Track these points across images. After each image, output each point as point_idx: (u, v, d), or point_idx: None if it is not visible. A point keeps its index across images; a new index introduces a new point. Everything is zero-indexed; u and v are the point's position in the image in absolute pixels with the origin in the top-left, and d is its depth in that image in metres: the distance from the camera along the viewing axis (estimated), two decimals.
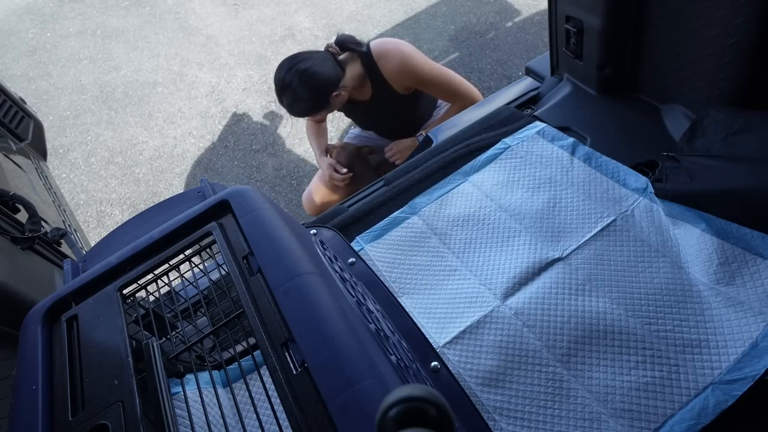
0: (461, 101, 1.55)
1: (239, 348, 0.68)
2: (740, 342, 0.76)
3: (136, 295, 0.63)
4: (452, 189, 1.12)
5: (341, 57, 1.45)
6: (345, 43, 1.44)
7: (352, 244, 1.01)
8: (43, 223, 1.19)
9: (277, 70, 1.40)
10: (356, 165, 1.72)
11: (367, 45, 1.46)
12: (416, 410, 0.27)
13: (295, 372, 0.47)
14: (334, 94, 1.41)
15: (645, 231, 0.93)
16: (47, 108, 3.01)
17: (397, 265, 1.01)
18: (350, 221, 1.11)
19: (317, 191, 1.76)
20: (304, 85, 1.37)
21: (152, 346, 0.56)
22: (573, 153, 1.10)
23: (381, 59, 1.43)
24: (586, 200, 1.01)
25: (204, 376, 0.78)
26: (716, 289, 0.82)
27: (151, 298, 0.67)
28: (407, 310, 0.80)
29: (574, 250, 0.93)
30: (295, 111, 1.46)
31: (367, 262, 0.94)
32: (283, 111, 2.67)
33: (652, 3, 1.04)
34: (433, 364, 0.73)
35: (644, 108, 1.18)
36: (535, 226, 0.99)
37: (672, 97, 1.13)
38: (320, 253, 0.70)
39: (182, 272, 0.68)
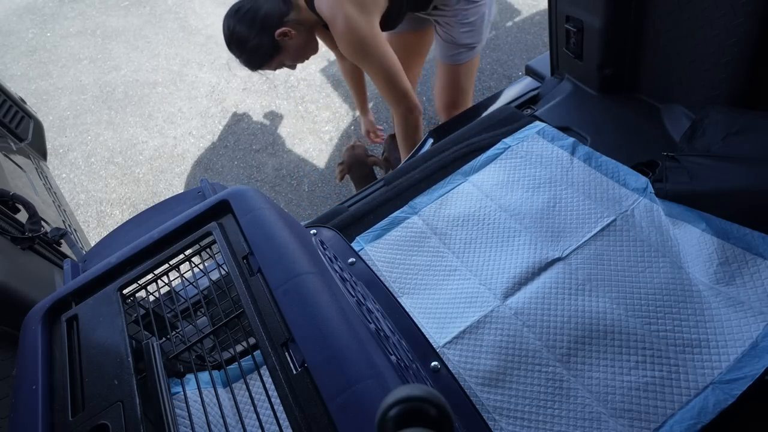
0: (399, 111, 1.37)
1: (239, 348, 0.68)
2: (740, 342, 0.76)
3: (136, 295, 0.63)
4: (452, 189, 1.12)
5: None
6: None
7: (352, 244, 1.01)
8: (43, 223, 1.19)
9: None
10: (355, 168, 1.73)
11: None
12: (416, 410, 0.27)
13: (295, 372, 0.47)
14: (279, 31, 1.26)
15: (645, 231, 0.93)
16: (47, 108, 3.01)
17: (397, 265, 1.01)
18: (350, 221, 1.11)
19: None
20: (242, 23, 1.23)
21: (152, 346, 0.57)
22: (573, 153, 1.10)
23: (331, 26, 1.25)
24: (586, 200, 1.01)
25: (204, 376, 0.78)
26: (716, 289, 0.82)
27: (151, 298, 0.67)
28: (407, 310, 0.80)
29: (574, 250, 0.93)
30: (245, 59, 1.31)
31: (367, 262, 0.94)
32: (283, 111, 2.68)
33: (652, 3, 1.04)
34: (433, 364, 0.73)
35: (644, 108, 1.18)
36: (535, 226, 0.99)
37: (672, 97, 1.13)
38: (320, 253, 0.70)
39: (182, 272, 0.68)
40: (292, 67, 1.41)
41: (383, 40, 1.27)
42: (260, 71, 1.38)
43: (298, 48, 1.33)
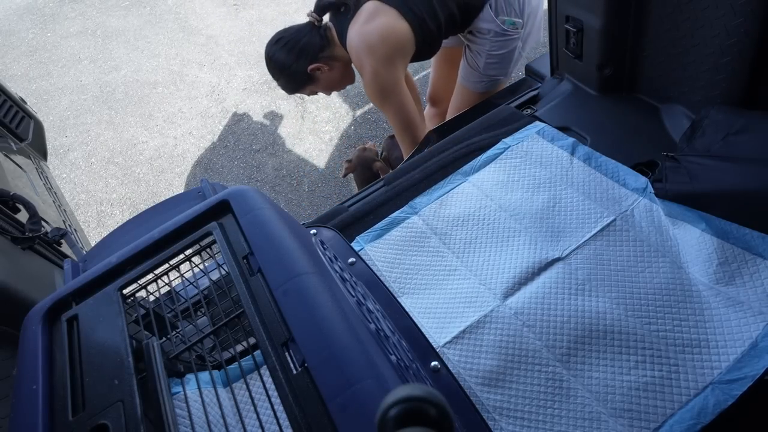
0: (404, 143, 1.49)
1: (239, 348, 0.68)
2: (740, 342, 0.76)
3: (137, 295, 0.63)
4: (452, 189, 1.12)
5: (329, 25, 1.36)
6: (326, 8, 1.34)
7: (352, 244, 1.01)
8: (43, 223, 1.19)
9: None
10: (360, 170, 1.75)
11: (345, 35, 1.31)
12: (416, 410, 0.27)
13: (295, 372, 0.47)
14: (312, 66, 1.33)
15: (645, 231, 0.93)
16: (47, 108, 3.01)
17: (397, 265, 1.01)
18: (350, 221, 1.11)
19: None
20: (281, 52, 1.33)
21: (152, 345, 0.57)
22: (573, 153, 1.10)
23: (357, 69, 1.35)
24: (585, 200, 1.01)
25: (204, 375, 0.78)
26: (716, 289, 0.82)
27: (152, 298, 0.67)
28: (407, 309, 0.80)
29: (574, 250, 0.93)
30: (282, 83, 1.43)
31: (367, 262, 0.94)
32: (283, 111, 2.68)
33: (652, 3, 1.04)
34: (433, 363, 0.73)
35: (644, 108, 1.18)
36: (535, 226, 0.99)
37: (672, 97, 1.13)
38: (320, 253, 0.70)
39: (182, 272, 0.68)
40: (327, 94, 1.52)
41: (404, 90, 1.36)
42: (296, 95, 1.50)
43: (330, 80, 1.42)
